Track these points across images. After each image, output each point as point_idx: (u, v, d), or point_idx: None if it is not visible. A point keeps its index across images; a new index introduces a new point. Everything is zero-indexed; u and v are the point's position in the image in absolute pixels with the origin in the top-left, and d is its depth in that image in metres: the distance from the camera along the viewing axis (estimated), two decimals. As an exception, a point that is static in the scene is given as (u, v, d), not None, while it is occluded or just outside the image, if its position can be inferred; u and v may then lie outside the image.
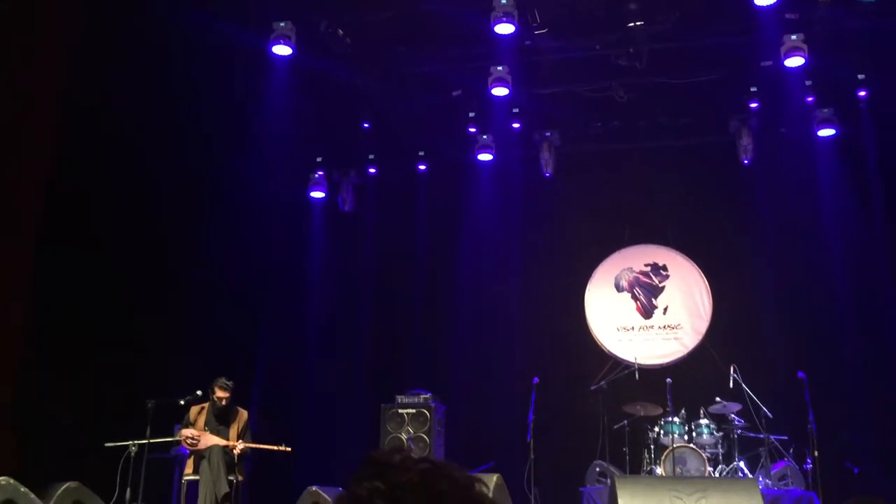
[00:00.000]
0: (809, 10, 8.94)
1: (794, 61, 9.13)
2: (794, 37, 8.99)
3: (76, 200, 8.93)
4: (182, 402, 7.58)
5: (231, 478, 7.37)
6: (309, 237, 12.12)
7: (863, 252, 10.45)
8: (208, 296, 10.02)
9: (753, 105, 10.50)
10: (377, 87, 10.73)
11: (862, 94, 10.21)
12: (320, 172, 12.00)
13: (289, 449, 7.58)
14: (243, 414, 7.76)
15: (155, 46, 8.77)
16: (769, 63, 9.71)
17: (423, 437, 9.73)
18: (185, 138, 9.71)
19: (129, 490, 7.24)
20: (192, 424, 7.57)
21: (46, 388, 7.86)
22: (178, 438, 7.59)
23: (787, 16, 8.94)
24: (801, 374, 8.73)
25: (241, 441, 7.56)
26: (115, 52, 8.63)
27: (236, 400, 7.81)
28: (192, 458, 7.49)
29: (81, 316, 8.92)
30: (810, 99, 10.24)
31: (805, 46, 8.97)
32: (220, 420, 7.64)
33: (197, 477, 7.34)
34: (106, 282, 9.35)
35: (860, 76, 10.05)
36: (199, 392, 7.64)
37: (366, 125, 11.42)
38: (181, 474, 7.75)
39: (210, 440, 7.43)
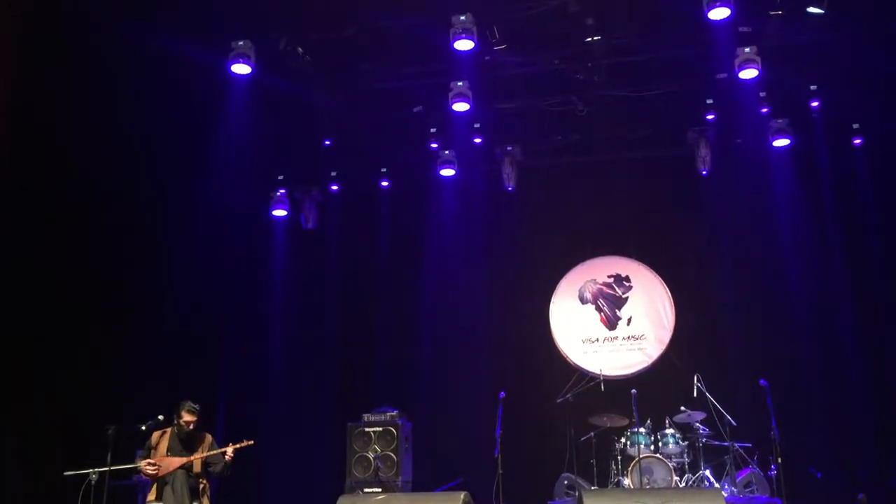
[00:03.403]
0: (761, 24, 9.10)
1: (748, 73, 9.30)
2: (747, 49, 9.17)
3: (29, 220, 8.79)
4: (143, 428, 7.41)
5: (195, 503, 7.24)
6: (272, 256, 12.04)
7: (819, 259, 10.68)
8: (169, 317, 9.90)
9: (710, 117, 10.69)
10: (338, 104, 10.72)
11: (814, 104, 10.43)
12: (282, 190, 11.95)
13: (251, 442, 7.45)
14: (208, 438, 7.62)
15: (113, 65, 8.69)
16: (724, 75, 9.88)
17: (390, 456, 9.65)
18: (145, 158, 9.62)
19: (90, 519, 7.07)
20: (154, 449, 7.41)
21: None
22: (139, 465, 7.43)
23: (741, 29, 9.11)
24: (763, 382, 8.83)
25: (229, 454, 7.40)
26: (71, 69, 8.54)
27: (200, 423, 7.68)
28: (156, 484, 7.33)
29: (37, 341, 8.77)
30: (765, 110, 10.43)
31: (758, 59, 9.15)
32: (184, 445, 7.48)
33: (160, 503, 7.20)
34: (62, 305, 9.20)
35: (812, 87, 10.27)
36: (160, 417, 7.48)
37: (327, 142, 11.39)
38: (144, 501, 7.59)
39: (173, 464, 7.29)
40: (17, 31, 7.93)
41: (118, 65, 8.71)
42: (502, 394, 9.24)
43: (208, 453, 7.39)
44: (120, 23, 8.24)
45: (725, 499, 7.47)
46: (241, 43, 9.08)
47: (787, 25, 9.04)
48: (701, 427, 9.38)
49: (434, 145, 11.34)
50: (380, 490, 9.17)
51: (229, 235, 10.84)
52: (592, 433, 9.63)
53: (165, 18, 8.47)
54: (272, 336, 11.73)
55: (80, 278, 9.47)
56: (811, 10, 8.68)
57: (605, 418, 9.66)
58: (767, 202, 10.91)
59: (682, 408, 9.41)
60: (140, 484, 8.30)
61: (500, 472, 8.74)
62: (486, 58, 9.67)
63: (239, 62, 9.12)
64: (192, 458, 7.31)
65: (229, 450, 7.33)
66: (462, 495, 6.50)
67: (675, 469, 9.07)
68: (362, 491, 9.26)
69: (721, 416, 9.16)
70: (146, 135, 9.42)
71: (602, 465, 9.58)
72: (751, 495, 8.87)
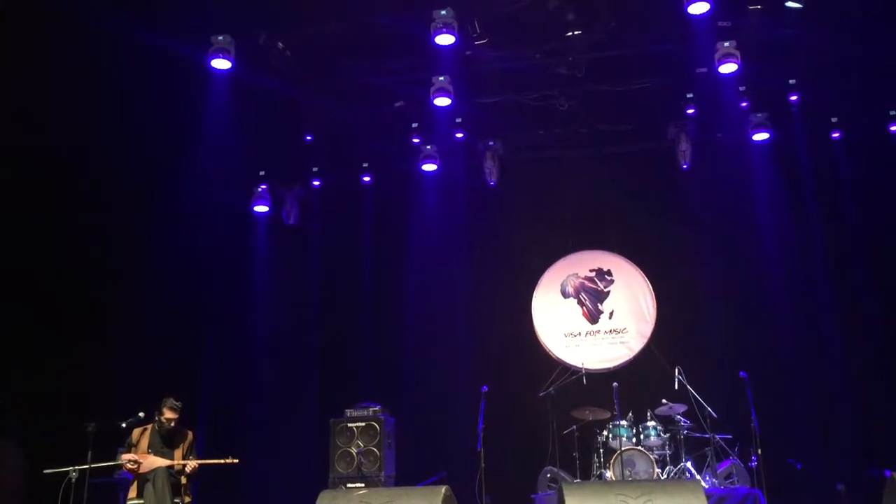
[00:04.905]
0: (741, 18, 9.16)
1: (728, 67, 9.34)
2: (727, 43, 9.21)
3: (10, 215, 8.72)
4: (124, 425, 7.40)
5: (177, 500, 7.22)
6: (253, 252, 11.99)
7: (798, 252, 10.78)
8: (150, 314, 9.85)
9: (690, 111, 10.73)
10: (319, 100, 10.68)
11: (793, 98, 10.51)
12: (263, 186, 11.89)
13: (236, 461, 7.45)
14: (189, 435, 7.61)
15: (92, 60, 8.62)
16: (704, 70, 9.93)
17: (373, 451, 9.66)
18: (124, 155, 9.55)
19: (71, 518, 7.04)
20: (135, 446, 7.39)
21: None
22: (120, 462, 7.40)
23: (720, 23, 9.15)
24: (743, 374, 8.90)
25: (189, 460, 7.41)
26: (49, 66, 8.46)
27: (181, 420, 7.66)
28: (137, 481, 7.31)
29: (15, 338, 8.70)
30: (744, 104, 10.49)
31: (738, 53, 9.19)
32: (165, 442, 7.47)
33: (141, 501, 7.17)
34: (42, 302, 9.13)
35: (791, 81, 10.36)
36: (141, 414, 7.46)
37: (308, 138, 11.33)
38: (125, 499, 7.56)
39: (154, 462, 7.26)
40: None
41: (97, 61, 8.63)
42: (485, 388, 9.26)
43: (191, 461, 7.36)
44: (98, 18, 8.17)
45: (706, 490, 7.54)
46: (220, 38, 9.03)
47: (766, 20, 9.09)
48: (682, 419, 9.45)
49: (416, 140, 11.32)
50: (363, 485, 9.16)
51: (210, 231, 10.78)
52: (575, 426, 9.68)
53: (143, 13, 8.40)
54: (254, 332, 11.68)
55: (59, 275, 9.39)
56: (790, 4, 8.75)
57: (587, 412, 9.71)
58: (747, 195, 10.98)
59: (664, 400, 9.47)
60: (121, 481, 8.26)
61: (483, 466, 8.76)
62: (468, 52, 9.66)
63: (219, 57, 9.06)
64: (175, 462, 7.29)
65: (193, 462, 7.30)
66: (443, 489, 6.50)
67: (656, 461, 9.13)
68: (345, 486, 9.26)
69: (702, 409, 9.24)
70: (125, 131, 9.36)
71: (584, 458, 9.63)
72: (731, 486, 8.95)
